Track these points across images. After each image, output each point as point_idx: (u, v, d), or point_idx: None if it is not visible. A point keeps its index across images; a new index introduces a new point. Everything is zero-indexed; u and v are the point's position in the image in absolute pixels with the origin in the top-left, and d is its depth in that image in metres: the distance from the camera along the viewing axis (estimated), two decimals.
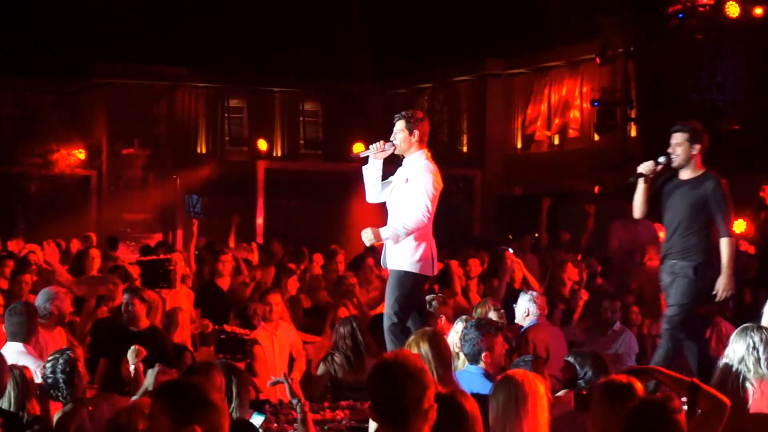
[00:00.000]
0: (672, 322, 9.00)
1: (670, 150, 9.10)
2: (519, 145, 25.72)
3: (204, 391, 4.30)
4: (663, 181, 9.29)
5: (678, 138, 9.09)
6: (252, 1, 27.48)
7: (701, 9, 17.76)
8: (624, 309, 11.85)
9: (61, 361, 6.98)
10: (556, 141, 25.05)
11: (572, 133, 24.59)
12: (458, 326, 8.56)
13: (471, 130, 27.03)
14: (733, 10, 17.41)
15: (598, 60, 20.12)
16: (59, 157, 25.26)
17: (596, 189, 19.55)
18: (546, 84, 25.27)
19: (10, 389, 6.75)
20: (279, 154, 28.64)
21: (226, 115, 28.50)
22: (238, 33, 27.20)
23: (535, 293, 10.87)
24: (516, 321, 10.43)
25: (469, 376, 7.29)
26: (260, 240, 21.95)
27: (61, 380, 6.95)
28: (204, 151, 27.86)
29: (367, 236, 8.43)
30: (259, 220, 22.99)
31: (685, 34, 18.06)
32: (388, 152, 8.70)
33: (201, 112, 27.87)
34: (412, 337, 7.33)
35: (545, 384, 5.72)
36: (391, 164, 8.82)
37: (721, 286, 8.96)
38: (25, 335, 8.13)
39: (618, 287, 13.47)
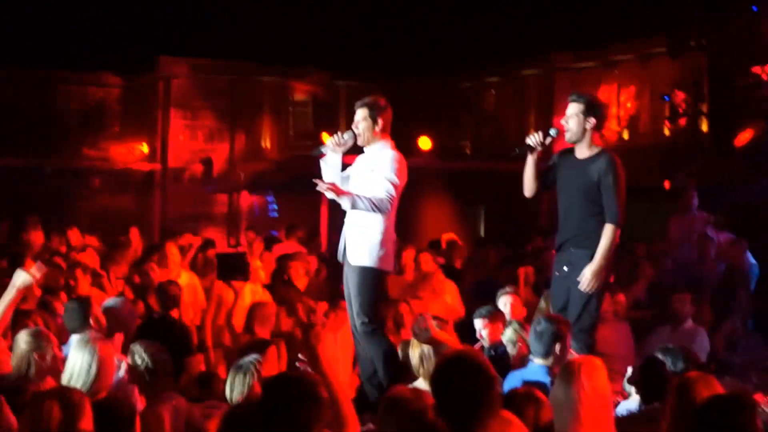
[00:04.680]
0: (581, 324, 8.07)
1: (563, 121, 8.24)
2: None
3: None
4: (559, 158, 8.43)
5: (572, 109, 8.19)
6: None
7: None
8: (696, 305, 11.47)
9: None
10: (626, 135, 24.68)
11: (642, 127, 24.22)
12: (511, 329, 8.47)
13: (539, 124, 26.69)
14: None
15: (669, 54, 19.78)
16: (123, 151, 25.31)
17: (666, 184, 19.20)
18: (615, 78, 24.90)
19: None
20: None
21: (291, 109, 28.38)
22: (305, 29, 27.03)
23: None
24: None
25: (532, 375, 7.04)
26: (325, 236, 21.83)
27: None
28: (268, 145, 27.74)
29: None
30: (323, 215, 22.79)
31: (758, 27, 17.72)
32: (350, 144, 8.40)
33: (265, 106, 27.74)
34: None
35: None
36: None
37: (589, 273, 7.98)
38: (80, 328, 8.02)
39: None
